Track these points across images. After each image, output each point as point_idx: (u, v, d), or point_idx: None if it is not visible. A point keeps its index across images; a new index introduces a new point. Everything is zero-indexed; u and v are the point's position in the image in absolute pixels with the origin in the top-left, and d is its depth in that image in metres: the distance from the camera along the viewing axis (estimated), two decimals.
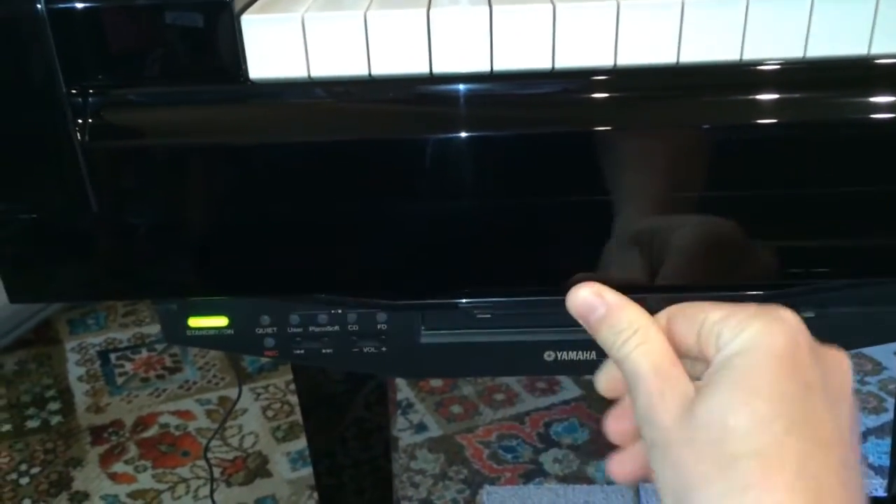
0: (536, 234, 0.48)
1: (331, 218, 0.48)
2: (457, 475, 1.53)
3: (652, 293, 0.48)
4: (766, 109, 0.45)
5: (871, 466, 1.50)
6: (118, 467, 1.57)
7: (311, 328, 0.53)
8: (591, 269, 0.48)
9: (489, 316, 0.53)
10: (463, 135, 0.45)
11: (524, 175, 0.46)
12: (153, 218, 0.48)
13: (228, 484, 1.53)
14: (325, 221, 0.48)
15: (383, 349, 0.54)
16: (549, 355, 0.54)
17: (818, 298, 0.51)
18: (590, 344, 0.54)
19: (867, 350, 1.84)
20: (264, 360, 1.87)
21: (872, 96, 0.44)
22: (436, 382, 1.78)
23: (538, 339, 0.54)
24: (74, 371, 1.86)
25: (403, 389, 1.76)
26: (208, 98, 0.46)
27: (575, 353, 0.54)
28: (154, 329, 1.99)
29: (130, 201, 0.47)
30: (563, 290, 0.45)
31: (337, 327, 0.53)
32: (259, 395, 1.76)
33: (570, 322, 0.52)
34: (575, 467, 1.54)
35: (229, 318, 0.54)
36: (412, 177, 0.46)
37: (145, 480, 1.54)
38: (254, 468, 1.56)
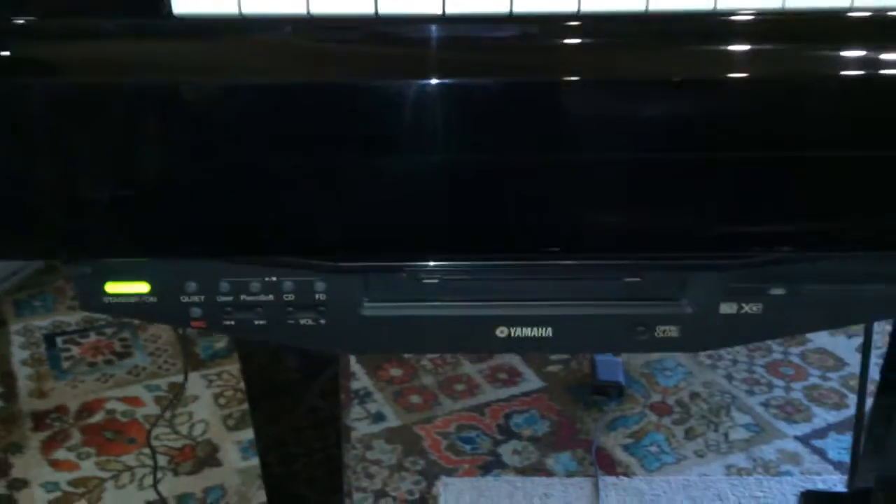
0: (486, 191, 0.43)
1: (262, 169, 0.43)
2: (413, 466, 1.49)
3: (615, 253, 0.44)
4: (739, 62, 0.41)
5: (831, 462, 1.50)
6: (60, 454, 1.51)
7: (242, 297, 0.49)
8: (550, 232, 0.44)
9: (436, 281, 0.48)
10: (410, 81, 0.40)
11: (476, 126, 0.42)
12: (62, 167, 0.43)
13: (175, 473, 1.47)
14: (256, 173, 0.43)
15: (322, 321, 0.49)
16: (501, 331, 0.50)
17: (789, 272, 0.48)
18: (546, 320, 0.50)
19: (830, 346, 1.84)
20: (218, 345, 1.81)
21: (851, 50, 0.41)
22: (395, 372, 1.74)
23: (490, 313, 0.50)
24: (18, 354, 1.78)
25: (362, 378, 1.72)
26: (126, 32, 0.41)
27: (529, 329, 0.50)
28: None
29: (37, 147, 0.42)
30: (518, 254, 0.40)
31: (271, 296, 0.49)
32: (211, 381, 1.70)
33: (525, 294, 0.48)
34: (534, 459, 1.51)
35: (151, 284, 0.49)
36: (352, 126, 0.42)
37: (88, 468, 1.48)
38: (203, 457, 1.51)
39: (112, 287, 0.49)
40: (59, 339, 1.83)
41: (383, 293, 0.50)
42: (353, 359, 1.78)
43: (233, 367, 1.75)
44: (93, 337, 1.85)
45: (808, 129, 0.43)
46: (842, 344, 1.85)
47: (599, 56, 0.43)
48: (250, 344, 0.91)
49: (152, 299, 0.49)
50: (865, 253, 0.47)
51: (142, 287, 0.49)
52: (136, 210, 0.45)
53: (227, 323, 0.50)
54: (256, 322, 0.49)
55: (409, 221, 0.45)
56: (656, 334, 0.49)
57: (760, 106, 0.43)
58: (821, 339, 1.87)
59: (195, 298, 0.49)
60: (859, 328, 1.89)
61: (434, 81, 0.41)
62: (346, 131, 0.42)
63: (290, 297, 0.49)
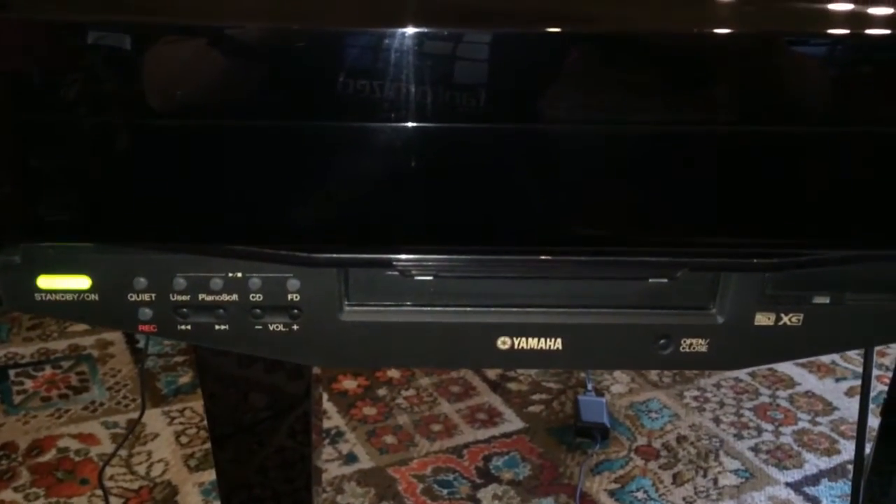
0: (489, 169, 0.37)
1: (226, 138, 0.36)
2: None
3: (638, 248, 0.38)
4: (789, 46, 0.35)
5: None
6: (6, 495, 1.40)
7: (200, 296, 0.41)
8: (563, 221, 0.38)
9: (430, 279, 0.41)
10: (400, 31, 0.34)
11: (474, 88, 0.35)
12: None
13: None
14: (219, 142, 0.36)
15: (295, 327, 0.42)
16: (503, 342, 0.43)
17: (834, 278, 0.41)
18: (555, 329, 0.43)
19: (818, 390, 1.79)
20: (182, 380, 1.72)
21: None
22: (369, 410, 1.66)
23: (491, 320, 0.43)
24: None
25: (333, 417, 1.63)
26: None
27: (536, 340, 0.43)
28: (61, 345, 1.83)
29: None
30: (526, 247, 0.34)
31: (235, 296, 0.41)
32: (173, 419, 1.61)
33: (532, 299, 0.41)
34: None
35: (92, 279, 0.41)
36: (331, 88, 0.35)
37: None
38: (160, 499, 1.41)
39: (46, 281, 0.41)
40: (11, 372, 1.73)
41: (367, 294, 0.43)
42: (324, 396, 1.70)
43: (196, 404, 1.65)
44: (48, 370, 1.75)
45: (862, 111, 0.38)
46: (830, 387, 1.81)
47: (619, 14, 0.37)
48: (215, 377, 0.85)
49: (93, 297, 0.41)
50: None
51: (81, 282, 0.41)
52: (77, 184, 0.38)
53: (183, 328, 0.42)
54: (217, 327, 0.42)
55: (397, 204, 0.38)
56: (682, 348, 0.42)
57: (811, 85, 0.37)
58: (809, 382, 1.82)
59: (145, 297, 0.41)
60: (848, 371, 1.85)
61: (424, 30, 0.35)
62: (324, 94, 0.36)
63: (258, 297, 0.41)
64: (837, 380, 1.84)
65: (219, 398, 0.87)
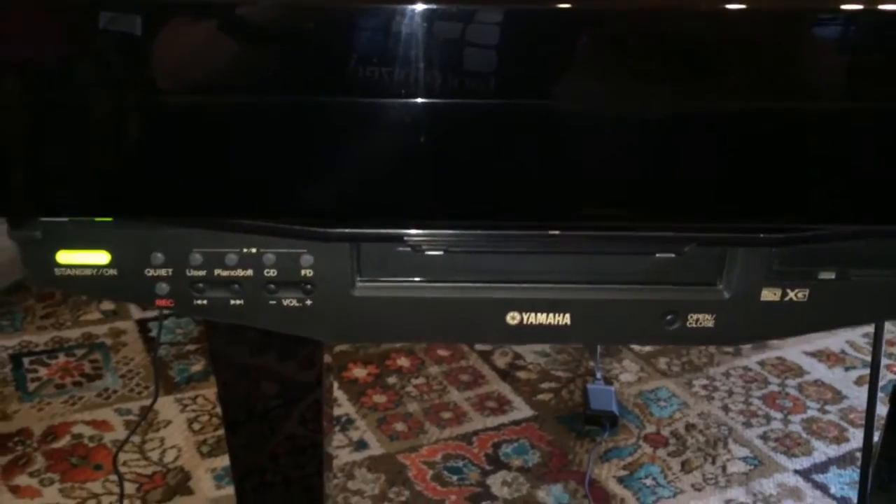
0: (500, 143, 0.38)
1: (241, 114, 0.37)
2: (397, 497, 1.41)
3: (648, 223, 0.38)
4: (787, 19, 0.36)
5: (834, 498, 1.44)
6: (21, 480, 1.42)
7: (216, 272, 0.42)
8: (573, 195, 0.39)
9: (440, 253, 0.42)
10: (410, 7, 0.35)
11: (483, 65, 0.36)
12: (10, 106, 0.36)
13: (144, 501, 1.38)
14: (234, 118, 0.37)
15: (308, 302, 0.43)
16: (513, 317, 0.44)
17: (841, 253, 0.42)
18: (563, 304, 0.44)
19: (827, 379, 1.79)
20: (194, 368, 1.74)
21: None
22: (379, 398, 1.67)
23: (501, 295, 0.44)
24: None
25: (344, 405, 1.64)
26: None
27: (545, 315, 0.44)
28: (75, 333, 1.84)
29: None
30: (536, 221, 0.35)
31: (250, 271, 0.42)
32: (186, 406, 1.62)
33: (541, 275, 0.42)
34: (525, 491, 1.43)
35: (111, 254, 0.42)
36: (342, 62, 0.36)
37: (51, 495, 1.39)
38: (174, 484, 1.42)
39: (65, 256, 0.42)
40: (25, 360, 1.75)
41: (379, 269, 0.44)
42: (335, 384, 1.71)
43: (209, 391, 1.67)
44: (62, 358, 1.76)
45: (866, 87, 0.38)
46: (839, 376, 1.81)
47: None
48: (228, 365, 0.86)
49: (112, 272, 0.42)
50: None
51: (100, 257, 0.42)
52: (95, 160, 0.38)
53: (199, 302, 0.43)
54: (233, 302, 0.43)
55: (409, 180, 0.39)
56: (688, 323, 0.43)
57: (819, 57, 0.37)
58: (818, 371, 1.82)
59: (162, 272, 0.42)
60: (858, 360, 1.85)
61: (433, 6, 0.35)
62: (337, 70, 0.36)
63: (272, 272, 0.42)
64: (847, 369, 1.84)
65: (232, 386, 0.87)
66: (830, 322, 0.45)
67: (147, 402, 1.62)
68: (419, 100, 0.36)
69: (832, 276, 0.42)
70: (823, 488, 1.47)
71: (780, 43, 0.36)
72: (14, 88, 0.37)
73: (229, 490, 1.40)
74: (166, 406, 1.61)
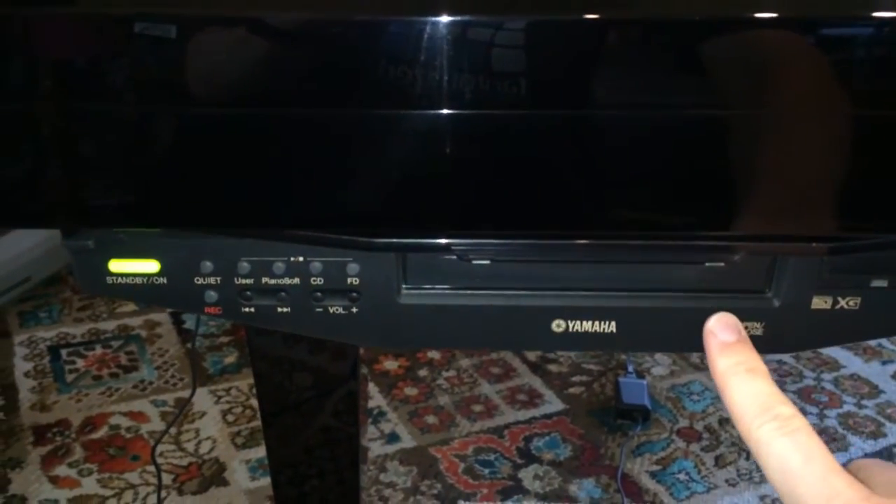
0: (548, 155, 0.37)
1: (289, 127, 0.37)
2: (429, 490, 1.42)
3: (697, 232, 0.38)
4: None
5: None
6: (61, 470, 1.45)
7: (264, 280, 0.43)
8: (622, 206, 0.38)
9: (487, 262, 0.42)
10: (455, 20, 0.35)
11: (526, 76, 0.36)
12: (62, 122, 0.37)
13: (180, 492, 1.40)
14: (283, 131, 0.37)
15: (354, 310, 0.43)
16: (558, 325, 0.44)
17: (891, 260, 0.41)
18: (609, 312, 0.44)
19: (864, 373, 1.77)
20: (227, 360, 1.75)
21: None
22: (410, 391, 1.67)
23: (546, 303, 0.44)
24: (21, 366, 1.73)
25: (375, 397, 1.65)
26: None
27: (590, 323, 0.44)
28: (111, 325, 1.87)
29: (33, 96, 0.37)
30: (584, 232, 0.34)
31: (297, 280, 0.43)
32: (220, 398, 1.64)
33: (587, 283, 0.42)
34: (556, 485, 1.43)
35: (161, 263, 0.43)
36: (388, 74, 0.36)
37: (89, 485, 1.41)
38: (209, 476, 1.44)
39: (117, 265, 0.43)
40: (63, 352, 1.78)
41: (424, 277, 0.44)
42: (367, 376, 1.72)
43: (242, 383, 1.68)
44: (98, 350, 1.79)
45: None
46: (876, 370, 1.78)
47: None
48: (265, 358, 0.86)
49: (162, 280, 0.43)
50: None
51: (151, 266, 0.43)
52: (146, 173, 0.39)
53: (247, 310, 0.43)
54: (280, 309, 0.43)
55: (455, 190, 0.39)
56: None
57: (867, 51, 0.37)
58: (854, 365, 1.80)
59: (211, 280, 0.43)
60: (895, 354, 1.82)
61: (479, 18, 0.35)
62: (382, 81, 0.36)
63: (319, 280, 0.43)
64: (884, 362, 1.81)
65: (267, 378, 0.88)
66: (882, 330, 0.44)
67: (181, 394, 1.64)
68: (463, 112, 0.36)
69: (884, 283, 0.42)
70: None
71: (834, 49, 0.36)
72: (65, 106, 0.37)
73: (264, 481, 1.41)
74: (201, 398, 1.63)
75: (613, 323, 0.44)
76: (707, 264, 0.42)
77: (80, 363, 1.75)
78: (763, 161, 0.38)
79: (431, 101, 0.37)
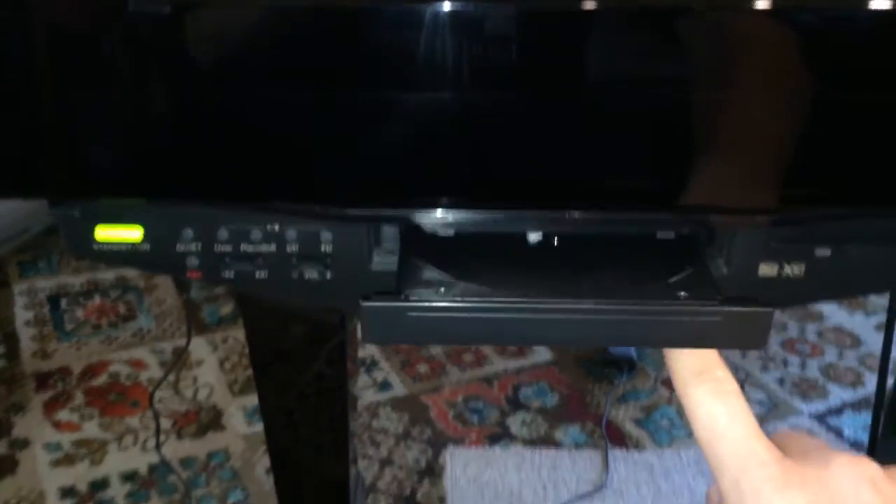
0: (500, 136, 0.40)
1: (264, 104, 0.39)
2: (420, 435, 1.47)
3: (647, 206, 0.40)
4: None
5: (847, 441, 1.47)
6: (62, 415, 1.49)
7: (242, 247, 0.45)
8: (578, 181, 0.41)
9: (451, 234, 0.45)
10: (425, 6, 0.36)
11: (507, 49, 0.38)
12: (48, 96, 0.39)
13: (179, 436, 1.45)
14: (258, 107, 0.39)
15: (328, 275, 0.46)
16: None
17: (836, 231, 0.44)
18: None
19: (847, 324, 1.80)
20: (224, 310, 1.79)
21: None
22: None
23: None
24: (22, 315, 1.76)
25: (369, 347, 1.69)
26: None
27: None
28: (109, 275, 1.90)
29: (19, 70, 0.39)
30: (544, 203, 0.37)
31: (273, 247, 0.45)
32: (217, 346, 1.68)
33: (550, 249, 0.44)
34: (543, 431, 1.48)
35: (144, 230, 0.45)
36: (358, 51, 0.37)
37: (91, 429, 1.46)
38: (206, 421, 1.49)
39: (102, 233, 0.45)
40: (62, 301, 1.81)
41: (395, 245, 0.46)
42: (359, 326, 1.75)
43: (238, 333, 1.72)
44: (97, 299, 1.83)
45: (867, 68, 0.39)
46: (859, 321, 1.82)
47: None
48: (256, 309, 0.89)
49: (145, 247, 0.45)
50: None
51: (134, 233, 0.45)
52: (131, 146, 0.41)
53: (226, 275, 0.46)
54: (258, 274, 0.46)
55: (421, 166, 0.41)
56: None
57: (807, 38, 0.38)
58: (838, 316, 1.83)
59: (192, 247, 0.45)
60: (879, 306, 1.86)
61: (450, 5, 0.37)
62: (353, 57, 0.38)
63: (294, 247, 0.45)
64: (868, 314, 1.84)
65: (259, 328, 0.90)
66: (826, 294, 0.47)
67: (179, 342, 1.68)
68: (428, 93, 0.38)
69: (827, 252, 0.44)
70: (837, 431, 1.49)
71: (781, 28, 0.38)
72: (51, 78, 0.39)
73: (259, 427, 1.45)
74: (198, 346, 1.67)
75: (589, 301, 0.46)
76: (658, 235, 0.45)
77: (80, 312, 1.78)
78: (711, 138, 0.40)
79: (398, 82, 0.39)
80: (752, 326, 0.41)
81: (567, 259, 0.46)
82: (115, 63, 0.40)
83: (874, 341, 1.75)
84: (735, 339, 0.42)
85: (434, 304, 0.42)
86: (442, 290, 0.43)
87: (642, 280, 0.43)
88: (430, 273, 0.44)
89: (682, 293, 0.42)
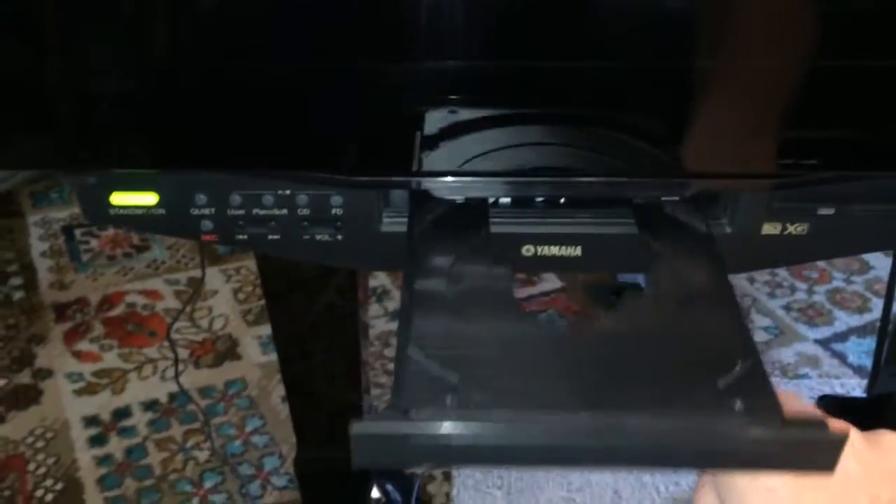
0: (500, 106, 0.40)
1: (273, 78, 0.40)
2: None
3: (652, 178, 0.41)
4: None
5: (850, 366, 1.49)
6: (83, 345, 1.53)
7: (254, 211, 0.46)
8: (580, 150, 0.41)
9: (461, 199, 0.46)
10: None
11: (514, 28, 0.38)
12: (65, 69, 0.39)
13: (197, 366, 1.49)
14: (267, 81, 0.40)
15: (339, 237, 0.47)
16: (527, 250, 0.48)
17: (839, 192, 0.44)
18: (575, 238, 0.47)
19: None
20: None
21: None
22: None
23: (516, 231, 0.47)
24: (37, 246, 1.79)
25: (380, 276, 1.71)
26: None
27: (557, 248, 0.47)
28: None
29: (26, 45, 0.39)
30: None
31: (285, 210, 0.46)
32: (230, 277, 1.71)
33: (553, 213, 0.45)
34: None
35: (159, 196, 0.46)
36: (362, 27, 0.38)
37: (111, 359, 1.50)
38: (223, 351, 1.53)
39: (118, 198, 0.46)
40: (77, 232, 1.83)
41: (404, 207, 0.47)
42: None
43: (251, 263, 1.74)
44: (111, 230, 1.84)
45: (872, 37, 0.39)
46: None
47: None
48: None
49: (160, 211, 0.46)
50: None
51: (150, 198, 0.46)
52: (144, 119, 0.42)
53: (240, 237, 0.47)
54: (270, 237, 0.47)
55: (425, 135, 0.42)
56: None
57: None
58: None
59: (206, 211, 0.46)
60: None
61: None
62: (356, 33, 0.38)
63: (305, 211, 0.46)
64: None
65: (271, 258, 0.91)
66: (829, 252, 0.47)
67: (193, 273, 1.71)
68: (429, 64, 0.39)
69: (831, 211, 0.45)
70: (841, 357, 1.51)
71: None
72: (65, 60, 0.40)
73: (274, 356, 1.49)
74: (212, 277, 1.70)
75: (579, 247, 0.47)
76: (664, 199, 0.45)
77: (94, 243, 1.80)
78: (716, 108, 0.40)
79: (392, 57, 0.39)
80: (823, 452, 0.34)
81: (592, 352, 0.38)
82: (125, 33, 0.40)
83: (882, 266, 1.75)
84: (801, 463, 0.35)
85: (442, 431, 0.33)
86: (448, 401, 0.34)
87: (688, 387, 0.35)
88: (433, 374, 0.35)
89: (738, 404, 0.35)
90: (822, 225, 0.45)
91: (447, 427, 0.33)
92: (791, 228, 0.45)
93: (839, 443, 0.34)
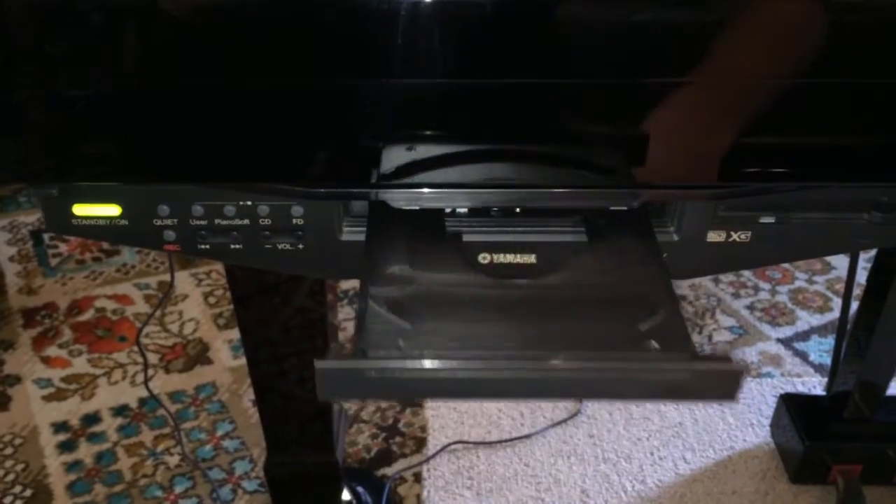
0: (450, 121, 0.41)
1: (236, 91, 0.41)
2: None
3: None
4: None
5: (812, 365, 1.52)
6: (52, 351, 1.52)
7: (216, 221, 0.47)
8: (539, 158, 0.43)
9: (416, 208, 0.47)
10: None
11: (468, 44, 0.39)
12: (32, 85, 0.40)
13: (167, 370, 1.49)
14: (229, 95, 0.41)
15: (300, 246, 0.48)
16: (483, 258, 0.49)
17: (780, 201, 0.46)
18: (528, 247, 0.49)
19: None
20: None
21: None
22: None
23: (472, 239, 0.49)
24: (5, 251, 1.78)
25: (351, 280, 1.72)
26: None
27: (513, 255, 0.49)
28: None
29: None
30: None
31: (246, 220, 0.47)
32: (201, 280, 1.70)
33: (509, 223, 0.46)
34: None
35: (122, 207, 0.47)
36: (325, 42, 0.39)
37: (80, 365, 1.49)
38: (193, 355, 1.53)
39: (80, 209, 0.47)
40: (45, 236, 1.82)
41: (363, 216, 0.49)
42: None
43: (221, 267, 1.74)
44: None
45: (810, 57, 0.41)
46: None
47: None
48: None
49: (123, 222, 0.47)
50: (858, 184, 0.45)
51: (112, 210, 0.47)
52: (106, 133, 0.43)
53: (202, 247, 0.48)
54: (232, 246, 0.48)
55: (384, 147, 0.43)
56: None
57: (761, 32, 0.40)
58: None
59: (168, 222, 0.47)
60: None
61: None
62: (318, 48, 0.40)
63: (267, 221, 0.47)
64: None
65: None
66: (771, 259, 0.49)
67: (163, 277, 1.70)
68: (382, 80, 0.40)
69: (772, 219, 0.47)
70: (803, 356, 1.54)
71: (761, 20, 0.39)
72: (33, 76, 0.40)
73: (245, 360, 1.50)
74: (182, 281, 1.69)
75: (533, 255, 0.49)
76: (611, 208, 0.47)
77: (63, 247, 1.79)
78: (662, 122, 0.42)
79: (348, 73, 0.40)
80: (724, 382, 0.39)
81: (532, 304, 0.44)
82: (87, 49, 0.41)
83: (844, 267, 1.78)
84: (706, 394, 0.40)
85: (393, 366, 0.39)
86: (401, 343, 0.40)
87: (612, 329, 0.41)
88: (389, 322, 0.41)
89: (654, 344, 0.40)
90: (764, 232, 0.47)
91: (397, 363, 0.39)
92: (735, 236, 0.47)
93: (738, 374, 0.39)
